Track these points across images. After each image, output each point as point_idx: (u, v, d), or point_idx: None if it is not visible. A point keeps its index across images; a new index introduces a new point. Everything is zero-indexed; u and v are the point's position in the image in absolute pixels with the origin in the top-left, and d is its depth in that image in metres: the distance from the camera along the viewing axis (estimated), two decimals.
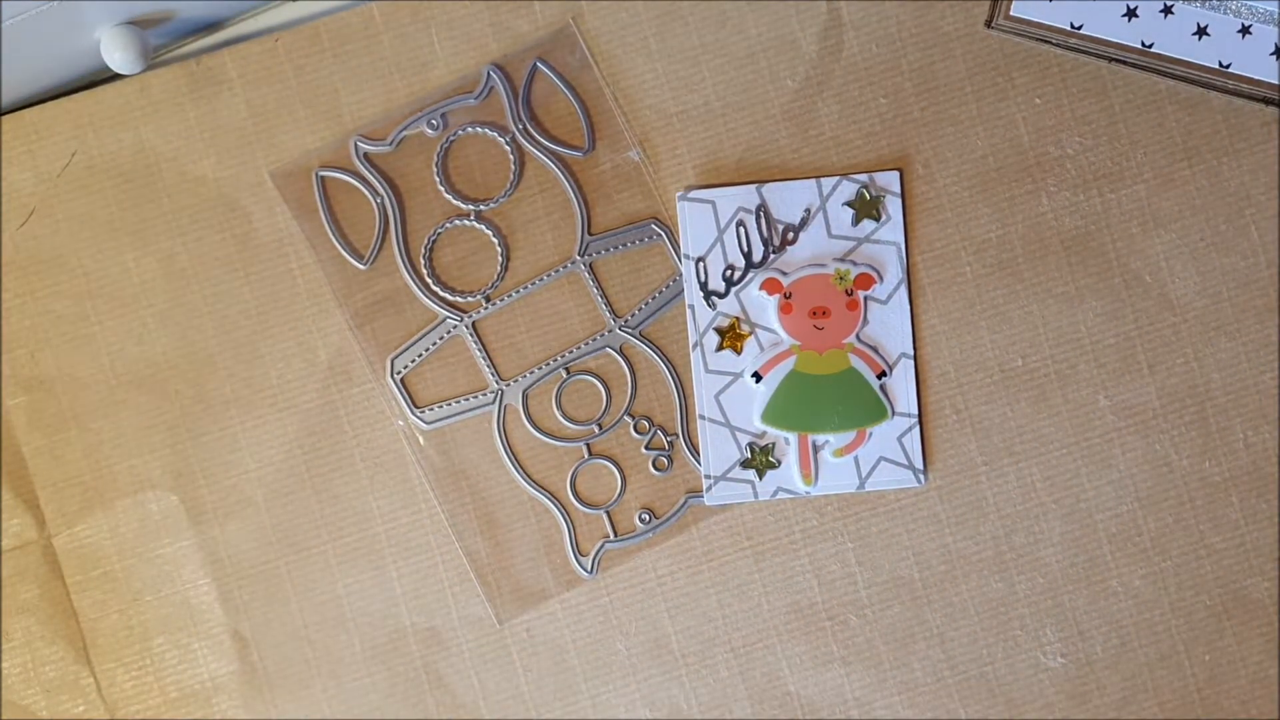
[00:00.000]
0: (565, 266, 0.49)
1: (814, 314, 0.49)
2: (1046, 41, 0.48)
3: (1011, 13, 0.47)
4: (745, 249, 0.49)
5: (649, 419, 0.50)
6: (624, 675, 0.50)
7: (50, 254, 0.50)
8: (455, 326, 0.50)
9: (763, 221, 0.49)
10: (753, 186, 0.49)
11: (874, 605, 0.50)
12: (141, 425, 0.50)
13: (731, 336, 0.49)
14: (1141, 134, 0.49)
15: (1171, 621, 0.50)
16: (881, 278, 0.49)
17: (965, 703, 0.50)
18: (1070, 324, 0.49)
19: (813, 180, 0.49)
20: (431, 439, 0.50)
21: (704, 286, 0.49)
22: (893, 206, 0.49)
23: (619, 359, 0.50)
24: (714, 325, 0.49)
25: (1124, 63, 0.48)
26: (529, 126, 0.49)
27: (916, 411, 0.49)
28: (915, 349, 0.49)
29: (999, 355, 0.50)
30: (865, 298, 0.49)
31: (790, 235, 0.49)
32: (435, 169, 0.49)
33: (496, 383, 0.50)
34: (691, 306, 0.49)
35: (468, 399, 0.50)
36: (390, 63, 0.49)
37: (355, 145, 0.49)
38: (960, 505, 0.50)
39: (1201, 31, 0.47)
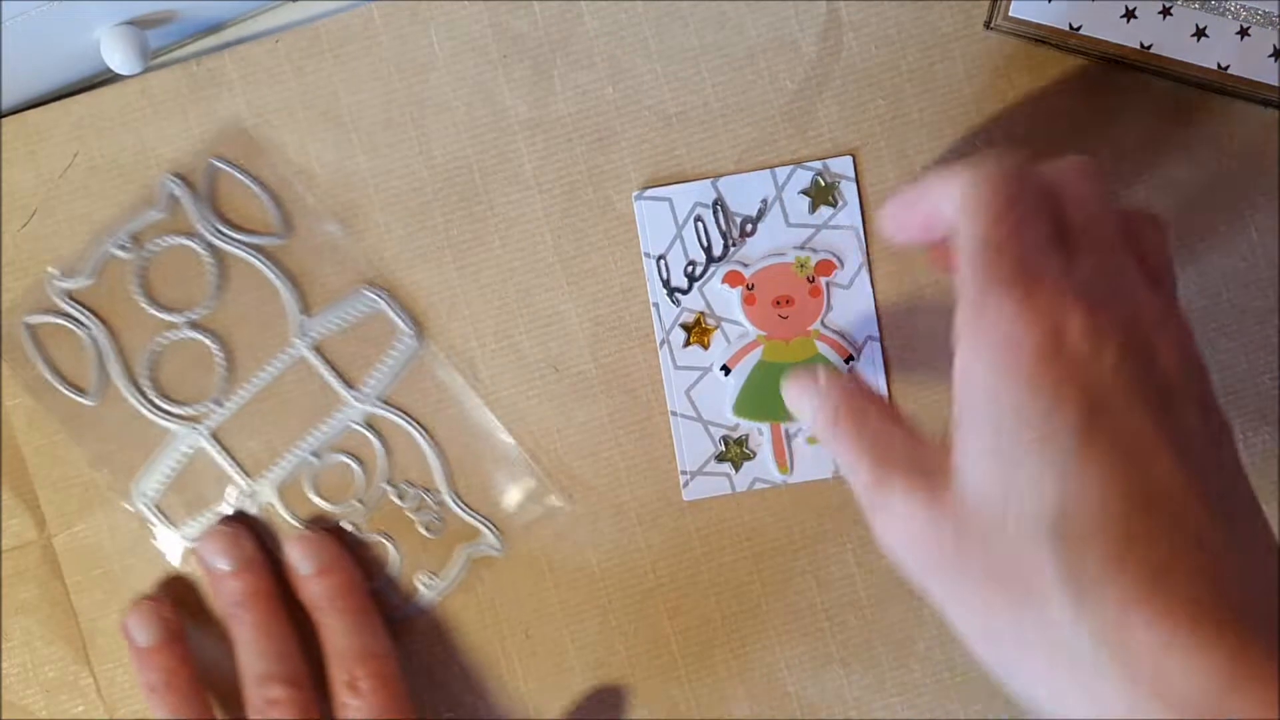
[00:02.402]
0: (287, 353, 0.49)
1: (778, 303, 0.49)
2: (1045, 42, 0.48)
3: (1010, 13, 0.47)
4: (705, 244, 0.49)
5: (409, 483, 0.49)
6: (622, 675, 0.50)
7: (51, 255, 0.50)
8: (193, 438, 0.49)
9: (720, 215, 0.49)
10: (708, 181, 0.49)
11: (873, 606, 0.50)
12: None
13: (698, 332, 0.49)
14: (1141, 134, 0.49)
15: None
16: (842, 263, 0.49)
17: (965, 704, 0.50)
18: None
19: (767, 171, 0.49)
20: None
21: (666, 284, 0.49)
22: (848, 192, 0.49)
23: (365, 431, 0.49)
24: (679, 322, 0.49)
25: (1123, 63, 0.48)
26: (219, 226, 0.48)
27: (887, 394, 0.49)
28: (881, 332, 0.49)
29: None
30: (827, 284, 0.49)
31: (748, 227, 0.49)
32: (137, 289, 0.49)
33: (248, 484, 0.49)
34: (656, 305, 0.49)
35: (223, 506, 0.49)
36: (390, 64, 0.49)
37: (52, 284, 0.49)
38: None
39: (1200, 33, 0.47)
